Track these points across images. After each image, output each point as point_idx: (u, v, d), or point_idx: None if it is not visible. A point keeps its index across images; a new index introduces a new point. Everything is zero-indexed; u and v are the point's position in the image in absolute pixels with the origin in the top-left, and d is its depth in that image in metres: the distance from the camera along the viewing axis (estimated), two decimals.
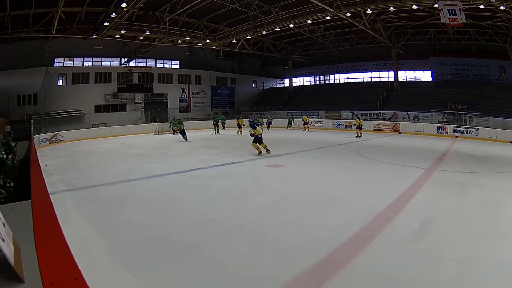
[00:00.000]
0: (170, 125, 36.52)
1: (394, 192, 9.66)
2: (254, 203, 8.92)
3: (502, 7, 24.90)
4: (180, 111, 49.67)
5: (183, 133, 27.81)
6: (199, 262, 5.41)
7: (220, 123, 37.95)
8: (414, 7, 27.28)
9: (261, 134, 17.82)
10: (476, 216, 7.77)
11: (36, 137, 26.36)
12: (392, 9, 28.72)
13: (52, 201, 4.46)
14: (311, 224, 7.18)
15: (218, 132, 34.66)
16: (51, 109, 39.08)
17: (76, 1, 28.60)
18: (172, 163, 15.81)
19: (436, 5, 25.71)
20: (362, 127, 31.48)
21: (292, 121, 41.46)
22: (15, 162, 15.09)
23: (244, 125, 33.33)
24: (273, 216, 7.80)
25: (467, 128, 32.20)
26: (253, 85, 62.93)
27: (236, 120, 37.46)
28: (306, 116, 38.98)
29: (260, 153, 17.61)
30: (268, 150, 18.02)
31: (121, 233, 6.73)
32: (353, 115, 41.00)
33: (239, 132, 32.59)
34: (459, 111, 36.05)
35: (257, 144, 17.58)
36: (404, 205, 8.55)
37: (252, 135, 17.94)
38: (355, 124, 32.73)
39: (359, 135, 30.20)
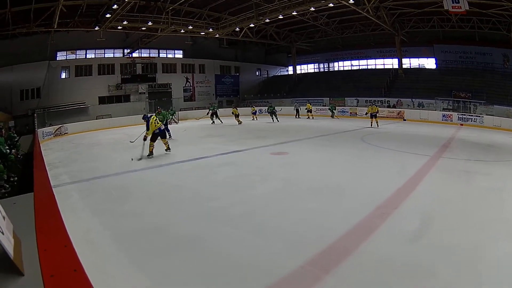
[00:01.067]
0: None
1: (399, 180, 9.64)
2: (259, 191, 8.92)
3: None
4: (184, 101, 49.77)
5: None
6: (204, 251, 5.42)
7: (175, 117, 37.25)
8: None
9: (158, 129, 14.97)
10: (481, 204, 7.74)
11: (40, 131, 26.52)
12: None
13: (57, 194, 4.49)
14: (315, 212, 7.17)
15: (215, 121, 33.28)
16: (55, 102, 39.23)
17: None
18: (177, 153, 15.74)
19: None
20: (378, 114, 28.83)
21: (300, 108, 39.39)
22: (19, 156, 15.15)
23: (238, 114, 32.83)
24: (278, 204, 7.80)
25: (472, 116, 32.09)
26: (257, 73, 62.80)
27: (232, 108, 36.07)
28: (309, 104, 38.61)
29: (150, 154, 14.87)
30: (168, 148, 15.70)
31: (126, 223, 6.75)
32: (357, 102, 41.05)
33: (238, 122, 31.92)
34: (463, 99, 35.92)
35: (154, 142, 15.02)
36: (409, 192, 8.53)
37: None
38: (366, 113, 29.68)
39: (373, 124, 27.85)
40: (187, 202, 8.10)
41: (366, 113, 29.59)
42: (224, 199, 8.17)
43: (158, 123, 14.86)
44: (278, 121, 32.94)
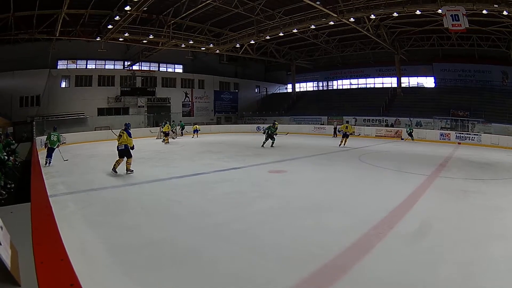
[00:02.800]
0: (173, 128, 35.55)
1: (396, 199, 9.63)
2: (256, 208, 8.89)
3: (505, 12, 24.92)
4: (183, 115, 49.66)
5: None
6: (199, 267, 5.37)
7: (178, 129, 37.90)
8: (418, 12, 27.33)
9: (122, 146, 14.44)
10: (478, 223, 7.74)
11: (38, 139, 26.52)
12: (395, 14, 28.81)
13: (53, 204, 4.46)
14: (312, 230, 7.15)
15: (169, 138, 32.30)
16: (54, 111, 39.31)
17: (80, 3, 28.89)
18: (174, 168, 15.77)
19: (440, 11, 25.74)
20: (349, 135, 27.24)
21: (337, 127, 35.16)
22: (16, 163, 15.14)
23: (174, 131, 33.07)
24: (275, 221, 7.77)
25: (470, 134, 32.25)
26: (256, 90, 63.04)
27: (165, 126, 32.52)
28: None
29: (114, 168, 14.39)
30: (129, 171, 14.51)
31: (122, 236, 6.70)
32: (355, 121, 41.15)
33: (160, 138, 31.81)
34: (461, 117, 36.13)
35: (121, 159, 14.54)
36: (406, 211, 8.52)
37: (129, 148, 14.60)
38: (339, 130, 29.94)
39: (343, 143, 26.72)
40: (184, 217, 8.07)
41: (339, 131, 29.66)
42: (221, 215, 8.14)
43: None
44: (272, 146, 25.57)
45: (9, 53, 35.21)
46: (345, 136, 26.54)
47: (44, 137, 24.01)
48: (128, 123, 15.79)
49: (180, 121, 40.26)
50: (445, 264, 5.49)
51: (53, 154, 18.07)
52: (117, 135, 14.72)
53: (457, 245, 6.32)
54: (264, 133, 27.11)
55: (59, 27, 30.22)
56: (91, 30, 34.16)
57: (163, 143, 30.22)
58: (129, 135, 14.56)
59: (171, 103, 50.24)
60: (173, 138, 33.66)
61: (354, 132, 29.69)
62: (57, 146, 18.46)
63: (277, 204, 9.21)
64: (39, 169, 9.33)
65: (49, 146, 18.13)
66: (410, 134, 33.92)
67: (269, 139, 25.33)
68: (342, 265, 5.44)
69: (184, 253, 5.87)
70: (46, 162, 17.26)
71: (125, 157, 14.35)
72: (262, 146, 25.07)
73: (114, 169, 14.18)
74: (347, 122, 35.93)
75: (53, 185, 11.41)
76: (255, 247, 6.24)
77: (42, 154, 19.38)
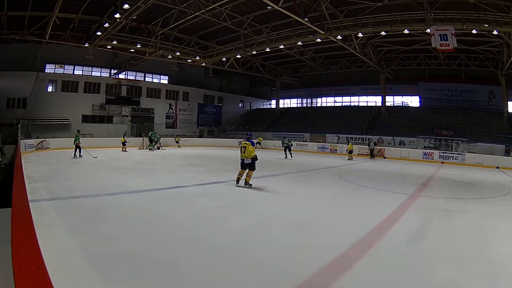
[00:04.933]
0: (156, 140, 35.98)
1: (377, 218, 9.59)
2: (236, 223, 8.79)
3: (495, 32, 25.24)
4: (166, 127, 49.69)
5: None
6: (178, 280, 5.28)
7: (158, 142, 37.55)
8: (406, 31, 27.65)
9: (249, 160, 14.26)
10: (460, 242, 7.72)
11: (22, 142, 26.34)
12: (383, 33, 29.08)
13: (34, 209, 4.41)
14: (291, 247, 7.07)
15: (152, 148, 34.87)
16: (39, 115, 39.09)
17: (72, 7, 28.84)
18: (156, 179, 15.62)
19: (428, 30, 26.06)
20: (352, 152, 32.72)
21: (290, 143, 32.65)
22: (1, 164, 15.02)
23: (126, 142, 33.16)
24: (255, 237, 7.68)
25: (453, 153, 32.81)
26: (240, 104, 63.39)
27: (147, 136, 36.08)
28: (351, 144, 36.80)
29: None
30: None
31: (101, 246, 6.58)
32: (338, 139, 41.36)
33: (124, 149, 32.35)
34: (445, 137, 36.52)
35: None
36: (387, 230, 8.47)
37: None
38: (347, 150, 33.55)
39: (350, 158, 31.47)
40: (164, 229, 7.95)
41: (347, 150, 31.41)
42: (201, 229, 8.02)
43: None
44: (292, 157, 30.21)
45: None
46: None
47: (28, 140, 25.09)
48: (250, 133, 15.85)
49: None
50: (425, 284, 5.46)
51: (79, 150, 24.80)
52: (240, 146, 14.51)
53: (437, 265, 6.29)
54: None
55: (50, 30, 30.32)
56: (80, 36, 34.30)
57: (150, 151, 32.04)
58: (252, 144, 14.39)
59: (155, 114, 50.18)
60: (156, 149, 33.78)
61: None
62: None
63: (256, 221, 9.12)
64: (21, 173, 9.17)
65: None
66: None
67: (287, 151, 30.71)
68: (320, 284, 5.38)
69: (163, 266, 5.77)
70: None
71: (247, 169, 14.31)
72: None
73: (246, 183, 14.19)
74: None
75: (35, 190, 11.29)
76: (234, 262, 6.15)
77: (25, 158, 19.30)
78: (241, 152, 14.18)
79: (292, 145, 32.39)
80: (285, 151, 31.35)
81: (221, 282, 5.33)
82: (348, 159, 30.91)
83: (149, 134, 36.16)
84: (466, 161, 30.96)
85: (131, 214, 9.27)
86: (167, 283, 5.16)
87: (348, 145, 33.78)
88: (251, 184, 14.17)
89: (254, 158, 14.14)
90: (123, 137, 32.91)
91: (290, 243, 7.30)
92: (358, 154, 36.91)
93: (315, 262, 6.11)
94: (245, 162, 14.14)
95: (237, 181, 14.34)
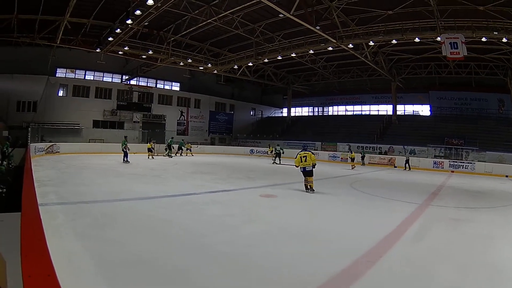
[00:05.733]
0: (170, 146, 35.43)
1: (386, 227, 9.49)
2: (245, 232, 8.72)
3: (504, 39, 25.20)
4: (177, 134, 49.40)
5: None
6: (187, 287, 5.27)
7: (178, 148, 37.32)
8: (416, 40, 27.69)
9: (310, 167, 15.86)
10: (468, 251, 7.62)
11: (32, 145, 26.44)
12: (394, 41, 29.14)
13: (43, 213, 4.39)
14: (300, 256, 7.00)
15: (170, 155, 34.26)
16: (50, 119, 39.14)
17: (83, 12, 28.96)
18: (166, 186, 15.55)
19: (439, 38, 26.02)
20: (354, 159, 32.83)
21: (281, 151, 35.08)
22: (10, 166, 15.08)
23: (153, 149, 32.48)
24: (264, 246, 7.62)
25: (463, 162, 32.52)
26: (251, 112, 63.47)
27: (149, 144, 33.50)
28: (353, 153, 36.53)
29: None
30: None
31: (111, 252, 6.56)
32: (349, 147, 41.19)
33: (150, 156, 31.64)
34: (455, 146, 36.31)
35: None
36: (396, 240, 8.37)
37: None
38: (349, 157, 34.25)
39: (353, 167, 31.08)
40: (173, 236, 7.90)
41: (270, 152, 32.28)
42: (210, 237, 7.97)
43: None
44: (279, 163, 32.57)
45: (10, 55, 35.44)
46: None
47: (38, 144, 26.60)
48: (306, 145, 20.72)
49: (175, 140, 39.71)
50: None
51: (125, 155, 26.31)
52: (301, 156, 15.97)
53: (446, 275, 6.23)
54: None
55: (61, 34, 30.36)
56: (91, 41, 34.27)
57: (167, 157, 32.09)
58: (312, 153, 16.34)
59: (167, 121, 50.24)
60: (170, 157, 33.42)
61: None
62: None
63: (266, 229, 9.05)
64: (31, 177, 9.18)
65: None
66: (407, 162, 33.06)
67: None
68: None
69: (172, 272, 5.74)
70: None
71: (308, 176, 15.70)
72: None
73: (310, 188, 15.51)
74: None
75: (45, 194, 11.26)
76: (242, 270, 6.11)
77: (34, 161, 19.35)
78: (301, 162, 15.54)
79: (283, 153, 34.78)
80: (274, 157, 33.83)
81: None
82: (352, 167, 30.76)
83: (169, 141, 35.90)
84: (475, 170, 30.75)
85: (141, 221, 9.24)
86: None
87: (350, 153, 34.68)
88: (314, 190, 15.42)
89: (313, 166, 15.70)
90: (151, 143, 32.18)
91: (300, 252, 7.23)
92: (369, 163, 36.74)
93: (325, 271, 6.05)
94: (307, 169, 15.55)
95: (309, 188, 15.52)
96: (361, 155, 36.11)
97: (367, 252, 7.27)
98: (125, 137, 27.09)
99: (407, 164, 32.64)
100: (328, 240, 8.27)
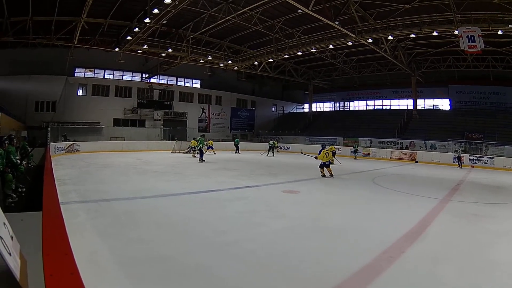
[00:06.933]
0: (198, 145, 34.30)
1: (408, 222, 9.47)
2: (268, 228, 8.73)
3: None
4: (198, 131, 49.21)
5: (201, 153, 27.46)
6: (208, 283, 5.29)
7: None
8: (434, 33, 27.50)
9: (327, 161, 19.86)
10: (488, 247, 7.56)
11: (52, 145, 26.69)
12: (412, 35, 28.85)
13: (64, 212, 4.43)
14: (322, 253, 7.01)
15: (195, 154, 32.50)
16: (69, 118, 39.60)
17: (100, 12, 29.06)
18: (188, 183, 15.64)
19: (456, 32, 25.73)
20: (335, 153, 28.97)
21: (276, 145, 38.87)
22: (30, 165, 15.27)
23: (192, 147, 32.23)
24: (286, 242, 7.63)
25: (483, 157, 32.22)
26: (273, 108, 63.35)
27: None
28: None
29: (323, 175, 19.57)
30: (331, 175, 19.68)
31: (132, 249, 6.63)
32: (371, 143, 41.11)
33: (193, 155, 31.40)
34: (475, 140, 36.01)
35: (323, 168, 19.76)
36: (417, 236, 8.33)
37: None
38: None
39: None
40: (196, 233, 7.93)
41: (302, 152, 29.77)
42: (233, 234, 7.98)
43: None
44: (273, 155, 36.36)
45: (27, 56, 35.84)
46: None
47: (58, 143, 27.40)
48: (324, 143, 23.45)
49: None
50: None
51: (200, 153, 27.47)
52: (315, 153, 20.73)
53: (466, 271, 6.20)
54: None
55: (78, 35, 30.53)
56: (110, 40, 34.51)
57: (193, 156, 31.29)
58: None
59: (188, 118, 50.55)
60: (193, 156, 33.04)
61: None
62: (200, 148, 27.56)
63: (289, 225, 9.06)
64: (51, 176, 9.23)
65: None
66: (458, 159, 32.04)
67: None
68: None
69: (194, 269, 5.78)
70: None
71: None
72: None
73: (330, 174, 19.70)
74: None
75: (65, 193, 11.44)
76: (265, 267, 6.13)
77: (55, 160, 19.57)
78: (325, 157, 19.52)
79: (278, 147, 39.69)
80: (269, 150, 37.50)
81: (253, 287, 5.36)
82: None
83: (199, 140, 35.28)
84: (495, 164, 30.46)
85: (163, 218, 9.29)
86: (198, 287, 5.21)
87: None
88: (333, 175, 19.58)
89: (331, 162, 21.04)
90: (196, 140, 30.72)
91: (322, 248, 7.25)
92: (391, 158, 36.54)
93: (346, 267, 6.06)
94: (327, 163, 19.70)
95: (330, 174, 19.72)
96: (457, 155, 32.73)
97: (389, 247, 7.28)
98: (202, 135, 28.23)
99: (459, 161, 31.78)
100: (350, 236, 8.29)
